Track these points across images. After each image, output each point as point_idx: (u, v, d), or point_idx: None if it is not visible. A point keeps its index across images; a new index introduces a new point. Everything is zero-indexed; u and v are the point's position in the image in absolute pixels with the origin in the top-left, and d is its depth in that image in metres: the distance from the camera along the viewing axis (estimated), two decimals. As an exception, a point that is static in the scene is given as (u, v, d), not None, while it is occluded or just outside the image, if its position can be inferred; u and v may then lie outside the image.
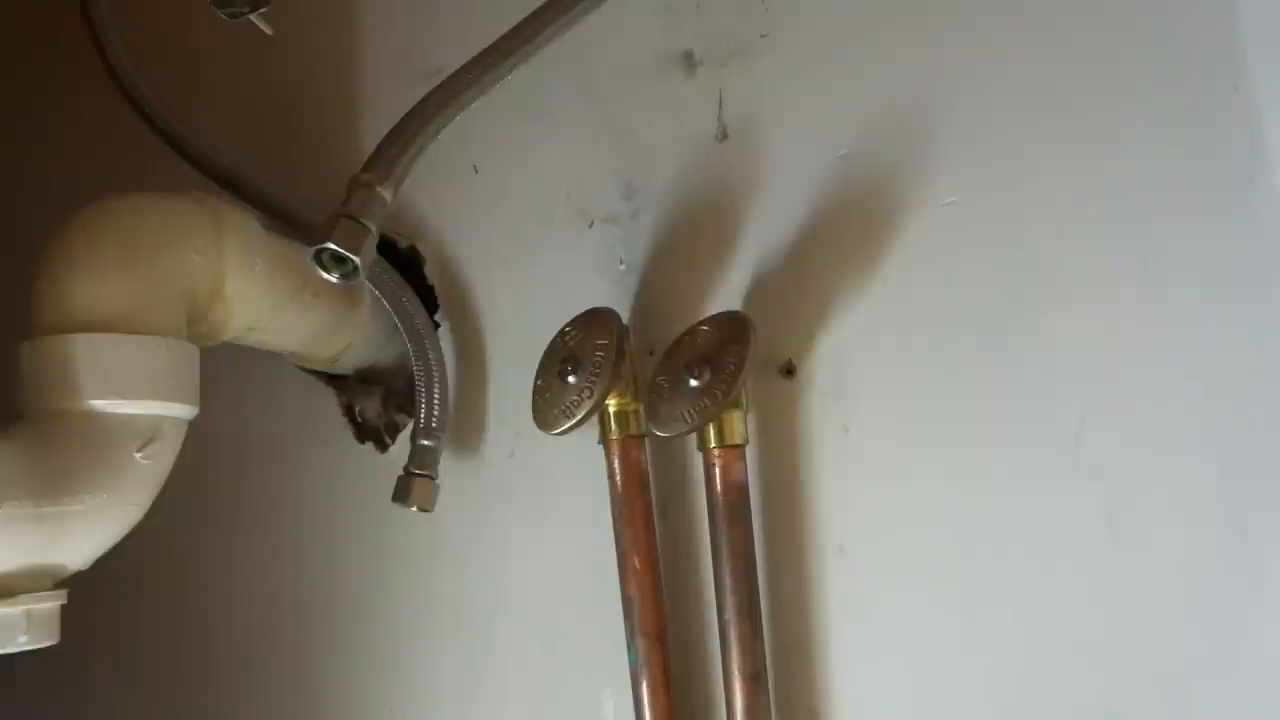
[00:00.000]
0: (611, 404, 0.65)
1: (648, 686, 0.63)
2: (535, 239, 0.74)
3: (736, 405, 0.61)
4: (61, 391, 0.55)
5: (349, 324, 0.74)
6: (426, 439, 0.70)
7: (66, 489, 0.54)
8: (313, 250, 0.54)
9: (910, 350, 0.62)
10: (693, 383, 0.60)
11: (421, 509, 0.70)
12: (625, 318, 0.68)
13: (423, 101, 0.57)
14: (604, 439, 0.66)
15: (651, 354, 0.68)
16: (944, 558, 0.61)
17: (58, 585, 0.56)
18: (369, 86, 0.81)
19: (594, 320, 0.66)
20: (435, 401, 0.70)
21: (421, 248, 0.78)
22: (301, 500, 0.80)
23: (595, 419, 0.64)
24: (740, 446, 0.61)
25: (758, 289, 0.67)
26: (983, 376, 0.61)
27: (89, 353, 0.55)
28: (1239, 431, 0.56)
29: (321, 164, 0.78)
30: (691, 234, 0.69)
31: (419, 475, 0.70)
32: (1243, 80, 0.57)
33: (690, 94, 0.70)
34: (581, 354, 0.64)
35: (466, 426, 0.75)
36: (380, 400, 0.81)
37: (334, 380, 0.81)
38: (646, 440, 0.66)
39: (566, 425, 0.63)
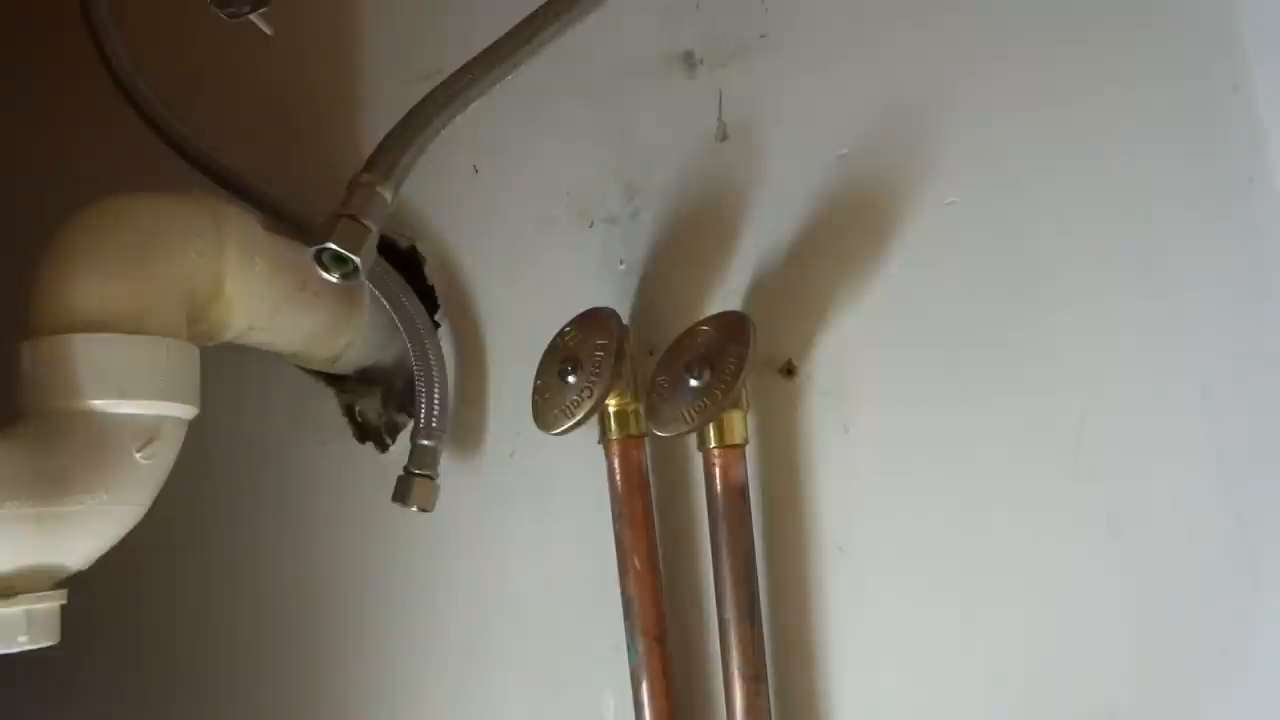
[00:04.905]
0: (611, 404, 0.65)
1: (648, 686, 0.63)
2: (535, 239, 0.74)
3: (736, 405, 0.61)
4: (61, 391, 0.55)
5: (349, 324, 0.74)
6: (426, 439, 0.70)
7: (66, 489, 0.54)
8: (313, 250, 0.54)
9: (910, 350, 0.62)
10: (693, 383, 0.60)
11: (421, 509, 0.70)
12: (625, 318, 0.68)
13: (423, 101, 0.57)
14: (604, 439, 0.66)
15: (651, 354, 0.67)
16: (944, 557, 0.61)
17: (58, 585, 0.56)
18: (369, 86, 0.81)
19: (594, 320, 0.66)
20: (435, 401, 0.70)
21: (421, 248, 0.78)
22: (301, 500, 0.80)
23: (595, 419, 0.64)
24: (740, 446, 0.61)
25: (758, 289, 0.67)
26: (983, 376, 0.61)
27: (89, 353, 0.56)
28: (1239, 431, 0.56)
29: (321, 164, 0.78)
30: (691, 234, 0.69)
31: (419, 475, 0.70)
32: (1243, 80, 0.57)
33: (690, 94, 0.70)
34: (581, 354, 0.64)
35: (466, 426, 0.75)
36: (380, 400, 0.81)
37: (334, 380, 0.81)
38: (646, 440, 0.66)
39: (566, 425, 0.63)
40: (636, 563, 0.64)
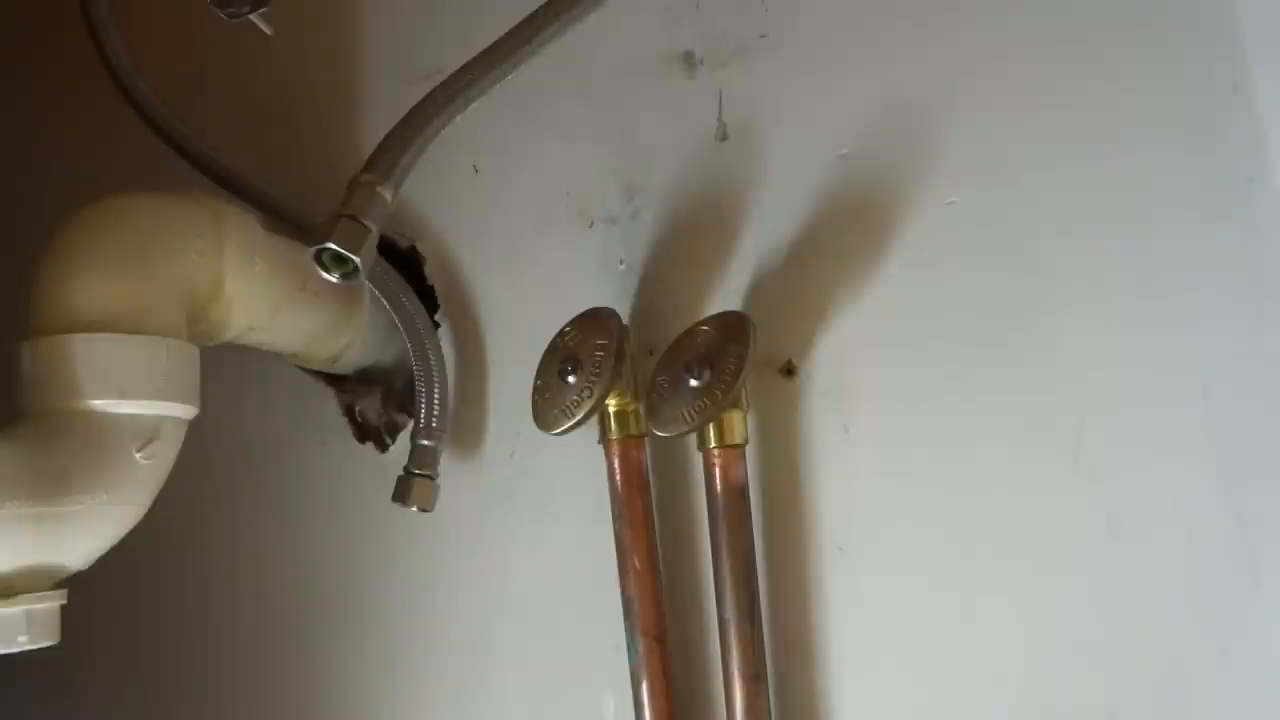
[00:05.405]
0: (611, 404, 0.65)
1: (648, 686, 0.63)
2: (535, 239, 0.74)
3: (736, 405, 0.61)
4: (61, 391, 0.55)
5: (349, 324, 0.74)
6: (426, 439, 0.70)
7: (66, 489, 0.54)
8: (313, 250, 0.54)
9: (910, 350, 0.62)
10: (693, 383, 0.60)
11: (421, 509, 0.70)
12: (625, 318, 0.68)
13: (423, 101, 0.57)
14: (604, 439, 0.66)
15: (651, 354, 0.67)
16: (944, 558, 0.61)
17: (58, 585, 0.56)
18: (369, 86, 0.81)
19: (594, 320, 0.66)
20: (435, 401, 0.70)
21: (421, 248, 0.78)
22: (301, 500, 0.80)
23: (595, 419, 0.64)
24: (740, 446, 0.61)
25: (758, 289, 0.67)
26: (983, 376, 0.61)
27: (89, 353, 0.56)
28: (1239, 431, 0.56)
29: (321, 164, 0.78)
30: (691, 234, 0.69)
31: (419, 475, 0.70)
32: (1243, 80, 0.57)
33: (690, 94, 0.70)
34: (581, 354, 0.64)
35: (466, 426, 0.75)
36: (380, 400, 0.81)
37: (334, 380, 0.81)
38: (646, 440, 0.66)
39: (566, 425, 0.63)
40: (636, 563, 0.64)
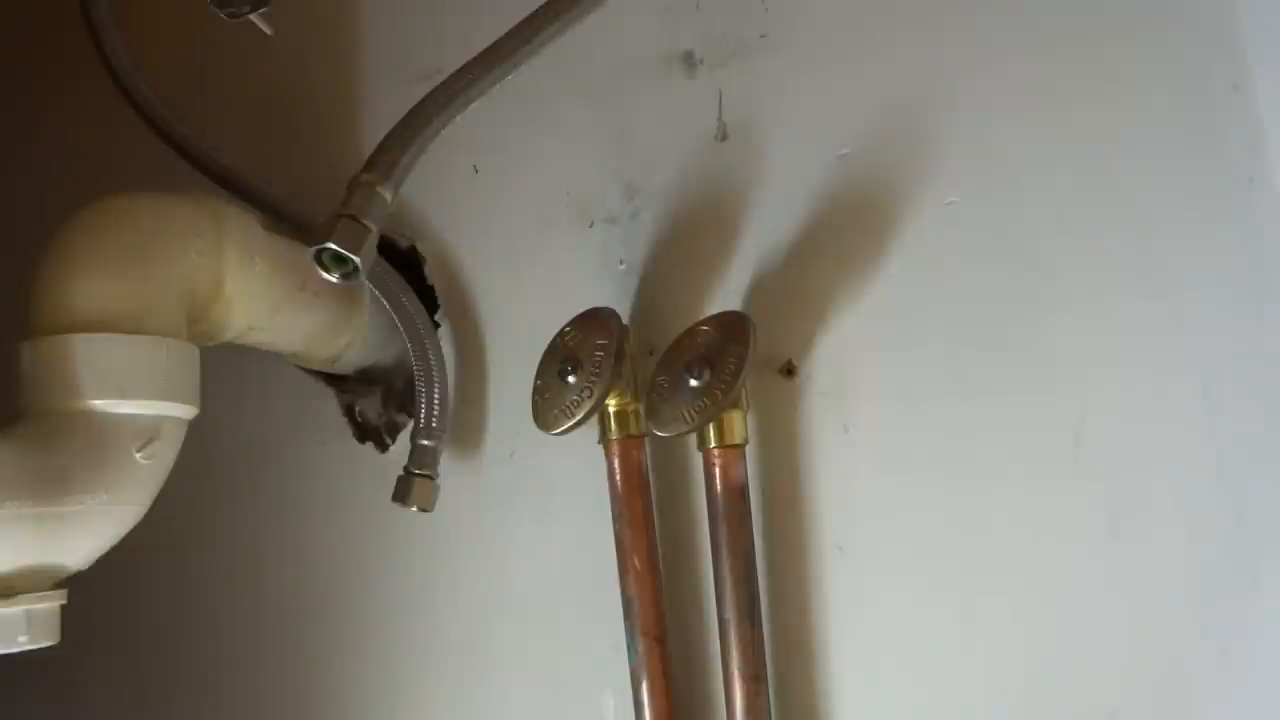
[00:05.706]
0: (611, 404, 0.65)
1: (648, 686, 0.63)
2: (535, 239, 0.74)
3: (736, 405, 0.61)
4: (61, 391, 0.55)
5: (349, 324, 0.74)
6: (426, 439, 0.70)
7: (66, 489, 0.54)
8: (313, 250, 0.54)
9: (910, 350, 0.62)
10: (693, 383, 0.60)
11: (421, 509, 0.70)
12: (625, 318, 0.68)
13: (423, 101, 0.57)
14: (604, 439, 0.66)
15: (651, 354, 0.67)
16: (944, 558, 0.61)
17: (58, 585, 0.56)
18: (369, 86, 0.81)
19: (594, 320, 0.66)
20: (435, 401, 0.70)
21: (421, 248, 0.78)
22: (301, 500, 0.80)
23: (595, 419, 0.64)
24: (740, 446, 0.61)
25: (758, 289, 0.67)
26: (983, 376, 0.61)
27: (89, 353, 0.56)
28: (1239, 431, 0.56)
29: (321, 164, 0.78)
30: (691, 234, 0.69)
31: (419, 475, 0.70)
32: (1243, 80, 0.57)
33: (690, 94, 0.70)
34: (581, 354, 0.64)
35: (466, 426, 0.75)
36: (380, 400, 0.81)
37: (334, 380, 0.81)
38: (646, 440, 0.66)
39: (566, 425, 0.63)
40: (636, 563, 0.64)
